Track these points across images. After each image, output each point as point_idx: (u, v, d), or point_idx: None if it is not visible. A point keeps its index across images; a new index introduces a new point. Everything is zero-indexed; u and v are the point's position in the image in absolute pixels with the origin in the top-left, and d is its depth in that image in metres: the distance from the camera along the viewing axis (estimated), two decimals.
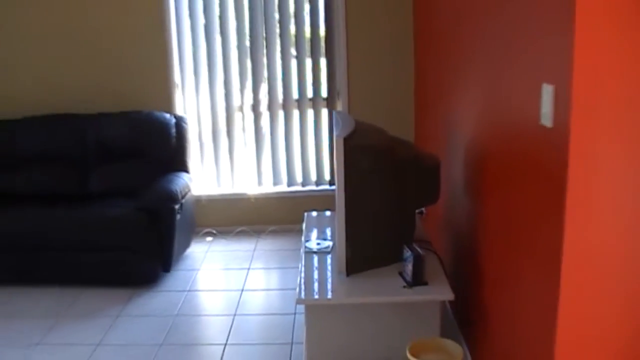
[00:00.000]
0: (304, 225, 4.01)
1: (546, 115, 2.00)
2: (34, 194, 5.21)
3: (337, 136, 3.01)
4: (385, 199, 3.14)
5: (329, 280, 3.21)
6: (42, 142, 5.35)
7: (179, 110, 5.55)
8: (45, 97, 5.60)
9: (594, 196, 1.86)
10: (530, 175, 2.24)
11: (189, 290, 4.68)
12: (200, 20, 5.48)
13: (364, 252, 3.17)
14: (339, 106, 5.50)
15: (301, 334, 3.82)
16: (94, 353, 3.84)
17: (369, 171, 3.06)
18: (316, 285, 3.17)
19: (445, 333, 3.09)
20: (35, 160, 5.33)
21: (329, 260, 3.43)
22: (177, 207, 4.69)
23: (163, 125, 5.20)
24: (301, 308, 3.74)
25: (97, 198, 5.08)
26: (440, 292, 3.01)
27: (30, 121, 5.42)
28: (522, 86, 2.30)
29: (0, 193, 5.24)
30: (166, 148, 5.19)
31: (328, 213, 4.25)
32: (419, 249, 3.05)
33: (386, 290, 3.04)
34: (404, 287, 3.04)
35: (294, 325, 4.04)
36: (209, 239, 5.63)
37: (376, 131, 3.33)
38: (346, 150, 2.97)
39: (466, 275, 3.37)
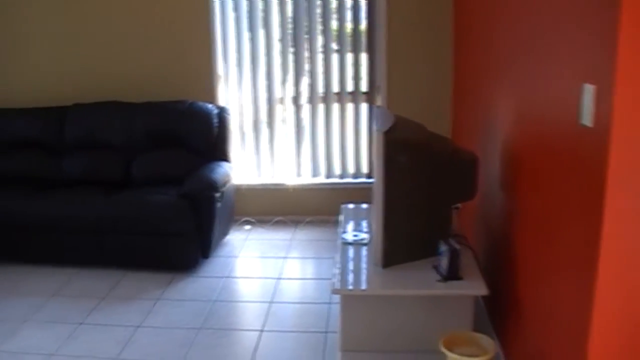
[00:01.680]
0: (340, 217, 4.07)
1: (586, 114, 2.03)
2: (79, 179, 5.36)
3: (377, 130, 3.07)
4: (423, 193, 3.19)
5: (365, 271, 3.28)
6: (89, 129, 5.49)
7: (221, 101, 5.64)
8: (93, 84, 5.75)
9: (633, 195, 1.89)
10: (568, 172, 2.27)
11: (227, 277, 4.78)
12: (244, 13, 5.57)
13: (400, 245, 3.23)
14: (378, 101, 5.54)
15: (335, 322, 3.88)
16: (134, 334, 3.96)
17: (407, 165, 3.11)
18: (352, 276, 3.23)
19: (477, 327, 3.14)
20: (82, 146, 5.48)
21: (365, 252, 3.49)
22: (217, 195, 4.79)
23: (206, 116, 5.30)
24: (335, 297, 3.80)
25: (139, 185, 5.21)
26: (474, 287, 3.05)
27: (79, 108, 5.57)
28: (561, 85, 2.33)
29: (49, 177, 5.42)
30: (208, 138, 5.29)
31: (365, 205, 4.30)
32: (454, 244, 3.09)
33: (421, 283, 3.09)
34: (439, 280, 3.09)
35: (328, 314, 4.11)
36: (248, 227, 5.73)
37: (415, 126, 3.38)
38: (386, 144, 3.03)
39: (500, 270, 3.40)
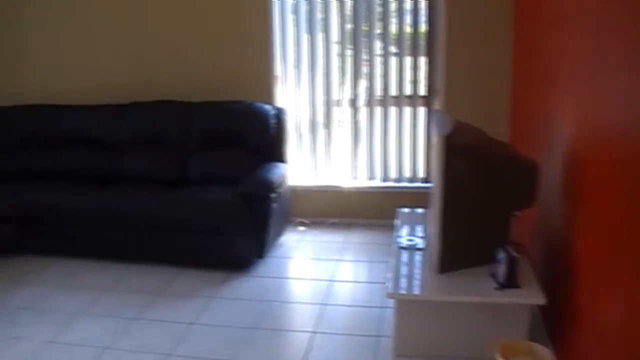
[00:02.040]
0: (396, 221, 4.05)
1: None
2: (136, 177, 5.47)
3: (437, 135, 3.05)
4: (482, 199, 3.16)
5: (421, 276, 3.25)
6: (146, 127, 5.60)
7: (279, 102, 5.67)
8: (152, 83, 5.85)
9: None
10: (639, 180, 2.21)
11: (281, 277, 4.81)
12: (304, 15, 5.59)
13: (457, 251, 3.20)
14: (437, 105, 5.50)
15: (387, 327, 3.87)
16: (188, 331, 4.00)
17: (467, 170, 3.08)
18: (408, 280, 3.21)
19: (533, 337, 3.08)
20: (139, 144, 5.59)
21: (420, 257, 3.46)
22: (273, 195, 4.82)
23: (263, 116, 5.33)
24: (388, 301, 3.78)
25: (195, 183, 5.28)
26: (531, 296, 3.00)
27: (137, 106, 5.67)
28: (632, 91, 2.27)
29: (105, 174, 5.54)
30: (265, 138, 5.32)
31: (420, 210, 4.27)
32: (512, 251, 3.05)
33: (477, 290, 3.05)
34: (496, 288, 3.05)
35: (380, 318, 4.09)
36: (302, 228, 5.74)
37: (475, 131, 3.34)
38: (446, 149, 3.00)
39: (559, 280, 3.34)
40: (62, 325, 4.17)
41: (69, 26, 6.02)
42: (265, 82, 5.65)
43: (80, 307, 4.42)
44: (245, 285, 4.64)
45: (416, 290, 3.14)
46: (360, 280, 4.77)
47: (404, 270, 3.32)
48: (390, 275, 3.27)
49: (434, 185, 3.14)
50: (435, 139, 3.05)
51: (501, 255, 3.07)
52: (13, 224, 5.25)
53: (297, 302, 4.47)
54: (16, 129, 5.95)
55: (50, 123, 5.88)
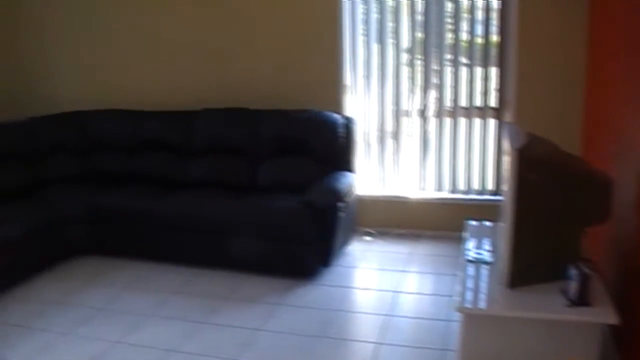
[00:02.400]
0: (464, 234, 4.01)
1: None
2: (204, 182, 5.56)
3: (510, 148, 3.00)
4: (554, 214, 3.10)
5: (489, 291, 3.20)
6: (217, 133, 5.68)
7: (348, 111, 5.68)
8: (222, 91, 5.94)
9: None
10: None
11: (346, 287, 4.80)
12: (374, 24, 5.59)
13: (527, 266, 3.14)
14: (507, 117, 5.42)
15: (453, 341, 3.82)
16: (253, 337, 4.04)
17: (539, 184, 3.02)
18: (476, 294, 3.17)
19: (603, 358, 3.01)
20: (208, 150, 5.68)
21: (488, 271, 3.41)
22: (341, 205, 4.83)
23: (332, 125, 5.35)
24: (454, 315, 3.74)
25: (263, 190, 5.33)
26: (604, 315, 2.92)
27: (208, 113, 5.77)
28: None
29: (175, 178, 5.66)
30: (333, 147, 5.34)
31: (489, 223, 4.21)
32: (585, 268, 2.98)
33: (547, 307, 2.99)
34: (567, 305, 2.98)
35: (446, 332, 4.04)
36: (368, 238, 5.72)
37: (548, 145, 3.28)
38: (519, 162, 2.96)
39: (633, 299, 3.25)
40: (130, 326, 4.27)
41: (144, 32, 6.19)
42: (334, 91, 5.67)
43: (148, 308, 4.51)
44: (311, 293, 4.65)
45: (484, 305, 3.10)
46: (426, 292, 4.72)
47: (472, 284, 3.27)
48: (458, 288, 3.23)
49: (506, 199, 3.10)
50: (507, 152, 3.01)
51: (573, 271, 3.00)
52: (86, 226, 5.41)
53: (362, 312, 4.46)
54: (91, 132, 6.13)
55: (123, 127, 6.05)
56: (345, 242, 5.33)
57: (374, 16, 5.58)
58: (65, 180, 5.91)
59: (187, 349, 3.94)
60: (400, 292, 4.67)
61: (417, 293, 4.69)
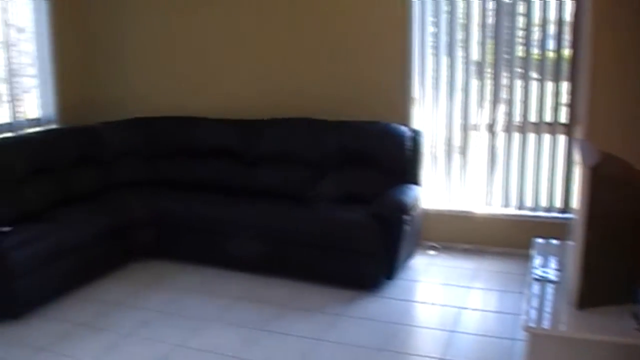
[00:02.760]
0: (531, 251, 3.94)
1: None
2: (269, 191, 5.62)
3: (583, 165, 2.95)
4: (628, 234, 3.02)
5: (557, 311, 3.14)
6: (283, 143, 5.73)
7: (415, 124, 5.65)
8: (289, 100, 5.99)
9: None
10: None
11: (409, 300, 4.77)
12: (443, 37, 5.56)
13: (597, 287, 3.07)
14: (578, 133, 5.31)
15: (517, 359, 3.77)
16: (314, 347, 4.05)
17: (613, 204, 2.95)
18: (543, 314, 3.11)
19: None
20: (274, 159, 5.75)
21: (556, 291, 3.35)
22: (406, 218, 4.80)
23: (399, 138, 5.33)
24: (519, 334, 3.68)
25: (328, 201, 5.34)
26: None
27: (274, 122, 5.83)
28: None
29: (239, 186, 5.74)
30: (400, 160, 5.31)
31: (557, 242, 4.13)
32: None
33: (616, 329, 2.91)
34: (637, 329, 2.90)
35: (510, 351, 3.96)
36: (432, 252, 5.68)
37: (622, 163, 3.20)
38: (592, 181, 2.90)
39: None
40: (191, 330, 4.34)
41: (212, 42, 6.30)
42: (402, 103, 5.66)
43: (210, 314, 4.57)
44: (373, 306, 4.63)
45: (551, 325, 3.03)
46: (491, 309, 4.65)
47: (539, 303, 3.22)
48: (524, 307, 3.18)
49: (577, 218, 3.04)
50: (579, 170, 2.95)
51: None
52: (151, 230, 5.54)
53: (424, 327, 4.42)
54: (159, 138, 6.29)
55: (189, 134, 6.17)
56: (409, 255, 5.30)
57: (444, 28, 5.55)
58: (133, 184, 6.06)
59: (247, 356, 3.96)
60: (464, 308, 4.61)
61: (482, 310, 4.62)
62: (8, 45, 6.06)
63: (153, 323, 4.47)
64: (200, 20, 6.31)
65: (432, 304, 4.75)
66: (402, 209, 4.79)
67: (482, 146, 5.69)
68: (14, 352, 4.12)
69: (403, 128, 5.42)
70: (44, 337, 4.30)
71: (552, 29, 5.31)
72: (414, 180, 5.36)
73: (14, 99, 6.14)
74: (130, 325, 4.45)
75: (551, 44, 5.35)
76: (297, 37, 5.93)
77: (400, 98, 5.66)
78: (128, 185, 6.03)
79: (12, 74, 6.11)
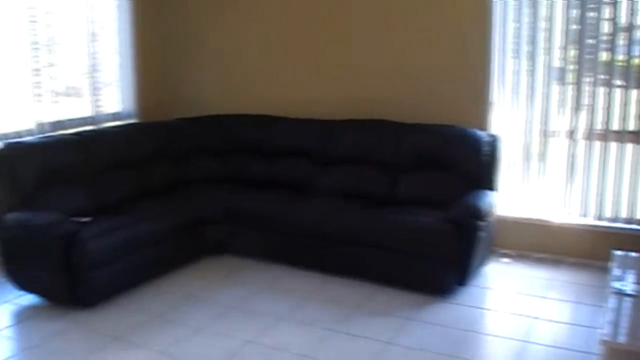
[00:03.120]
0: (610, 264, 3.84)
1: None
2: (341, 191, 5.62)
3: None
4: None
5: (635, 325, 3.05)
6: (356, 144, 5.74)
7: (493, 129, 5.56)
8: (364, 101, 5.99)
9: None
10: None
11: (481, 308, 4.70)
12: (524, 41, 5.45)
13: None
14: None
15: None
16: (383, 350, 4.05)
17: None
18: (620, 328, 3.03)
19: None
20: (347, 160, 5.76)
21: (634, 305, 3.25)
22: (482, 224, 4.73)
23: (476, 142, 5.26)
24: (594, 347, 3.59)
25: (401, 204, 5.33)
26: None
27: (349, 123, 5.84)
28: None
29: (311, 186, 5.77)
30: (476, 165, 5.24)
31: (637, 255, 4.02)
32: None
33: None
34: None
35: None
36: (506, 260, 5.57)
37: None
38: None
39: None
40: (263, 326, 4.39)
41: (287, 41, 6.36)
42: (479, 107, 5.58)
43: (280, 311, 4.62)
44: (444, 311, 4.59)
45: (629, 340, 2.95)
46: (565, 321, 4.54)
47: (617, 316, 3.13)
48: (602, 320, 3.10)
49: None
50: None
51: None
52: (223, 226, 5.66)
53: (496, 336, 4.34)
54: (232, 135, 6.39)
55: (263, 132, 6.26)
56: (483, 262, 5.21)
57: (525, 32, 5.44)
58: (207, 180, 6.16)
59: (317, 355, 3.99)
60: (538, 318, 4.51)
61: (556, 321, 4.51)
62: (91, 41, 6.24)
63: (224, 318, 4.54)
64: (277, 20, 6.37)
65: (504, 312, 4.66)
66: (477, 215, 4.72)
67: (561, 153, 5.55)
68: (92, 339, 4.26)
69: (480, 132, 5.35)
70: (118, 326, 4.43)
71: (639, 34, 5.14)
72: (490, 186, 5.26)
73: (95, 93, 6.32)
74: (201, 319, 4.52)
75: (638, 50, 5.18)
76: (374, 38, 5.91)
77: (478, 102, 5.58)
78: (203, 181, 6.14)
79: (94, 69, 6.28)
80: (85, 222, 4.85)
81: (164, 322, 4.49)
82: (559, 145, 5.54)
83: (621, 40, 5.20)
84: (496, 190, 5.31)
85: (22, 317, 4.67)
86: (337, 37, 6.10)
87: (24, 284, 4.86)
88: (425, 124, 5.53)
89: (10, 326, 4.54)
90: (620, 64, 5.24)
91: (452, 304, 4.70)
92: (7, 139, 5.42)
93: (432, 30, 5.66)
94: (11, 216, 4.77)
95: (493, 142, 5.32)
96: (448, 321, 4.43)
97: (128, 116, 6.66)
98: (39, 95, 5.75)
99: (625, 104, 5.26)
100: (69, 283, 4.58)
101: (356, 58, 6.03)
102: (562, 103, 5.45)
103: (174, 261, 5.39)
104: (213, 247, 5.70)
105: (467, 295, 4.86)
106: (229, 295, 4.91)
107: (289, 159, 6.04)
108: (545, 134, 5.54)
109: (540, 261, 5.54)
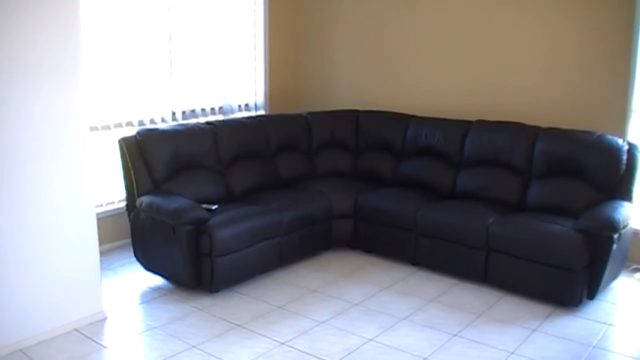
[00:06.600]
0: None
1: None
2: (471, 194, 5.54)
3: None
4: None
5: None
6: (488, 146, 5.61)
7: (632, 137, 5.28)
8: (498, 103, 5.89)
9: None
10: None
11: (610, 324, 4.47)
12: None
13: None
14: None
15: None
16: None
17: None
18: None
19: None
20: (479, 162, 5.66)
21: None
22: (616, 236, 4.50)
23: (614, 150, 5.01)
24: None
25: (531, 210, 5.19)
26: None
27: (482, 125, 5.74)
28: None
29: (442, 187, 5.71)
30: (613, 174, 4.99)
31: None
32: None
33: None
34: None
35: None
36: (638, 275, 5.30)
37: None
38: None
39: None
40: (384, 326, 4.38)
41: (423, 41, 6.34)
42: (619, 114, 5.32)
43: (403, 312, 4.59)
44: (570, 325, 4.41)
45: None
46: None
47: None
48: None
49: None
50: None
51: None
52: (350, 221, 5.72)
53: (624, 355, 4.10)
54: (364, 131, 6.42)
55: (395, 130, 6.23)
56: (614, 276, 4.95)
57: None
58: (335, 174, 6.21)
59: None
60: None
61: None
62: (225, 33, 6.38)
63: (346, 314, 4.55)
64: (410, 19, 6.34)
65: (636, 331, 4.42)
66: (612, 227, 4.47)
67: None
68: (214, 325, 4.37)
69: (619, 140, 5.08)
70: (240, 314, 4.53)
71: None
72: (627, 197, 4.98)
73: (227, 84, 6.46)
74: (324, 313, 4.56)
75: None
76: (512, 39, 5.78)
77: (618, 108, 5.32)
78: (330, 175, 6.19)
79: (227, 60, 6.43)
80: (213, 210, 4.97)
81: (287, 314, 4.54)
82: None
83: None
84: (633, 201, 5.04)
85: (148, 297, 4.84)
86: (472, 38, 6.00)
87: (151, 266, 5.05)
88: (561, 129, 5.32)
89: (137, 305, 4.72)
90: None
91: (579, 318, 4.51)
92: (143, 125, 5.63)
93: (573, 31, 5.46)
94: (144, 199, 4.94)
95: (632, 151, 5.04)
96: (575, 336, 4.25)
97: (258, 108, 6.78)
98: (174, 85, 5.94)
99: None
100: (195, 268, 4.72)
101: (493, 59, 5.91)
102: None
103: (298, 253, 5.46)
104: (337, 242, 5.74)
105: (595, 309, 4.65)
106: (351, 292, 4.92)
107: (421, 158, 5.97)
108: None
109: None
